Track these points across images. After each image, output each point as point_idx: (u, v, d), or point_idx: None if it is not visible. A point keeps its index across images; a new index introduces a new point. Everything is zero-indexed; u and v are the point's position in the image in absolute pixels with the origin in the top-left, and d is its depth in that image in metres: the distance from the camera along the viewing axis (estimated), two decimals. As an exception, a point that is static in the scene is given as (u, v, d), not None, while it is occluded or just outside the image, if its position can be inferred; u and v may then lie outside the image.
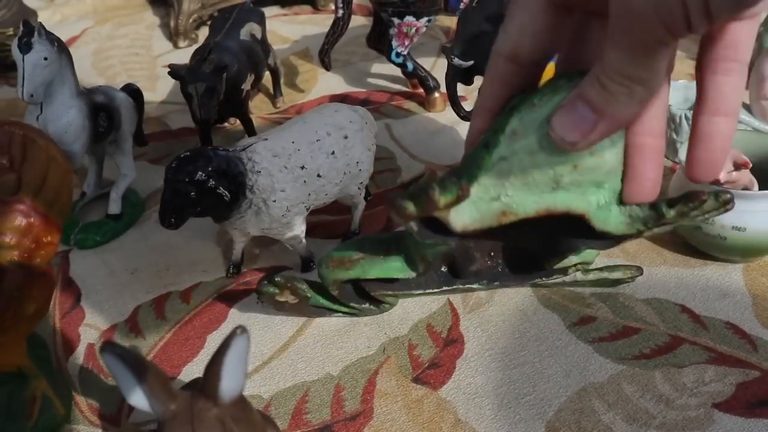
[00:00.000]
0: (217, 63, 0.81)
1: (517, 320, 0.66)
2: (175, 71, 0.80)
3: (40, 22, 0.70)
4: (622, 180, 0.39)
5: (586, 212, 0.40)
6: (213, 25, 0.91)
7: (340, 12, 0.91)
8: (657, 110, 0.37)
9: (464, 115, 0.73)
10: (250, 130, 0.90)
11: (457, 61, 0.70)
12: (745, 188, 0.69)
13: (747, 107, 0.83)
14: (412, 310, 0.68)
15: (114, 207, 0.81)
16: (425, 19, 0.91)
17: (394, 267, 0.58)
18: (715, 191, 0.59)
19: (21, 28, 0.70)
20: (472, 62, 0.71)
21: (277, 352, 0.65)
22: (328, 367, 0.63)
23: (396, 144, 0.91)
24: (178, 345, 0.67)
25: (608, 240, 0.43)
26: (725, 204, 0.41)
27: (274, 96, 0.99)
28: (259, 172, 0.68)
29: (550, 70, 0.72)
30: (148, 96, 1.01)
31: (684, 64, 1.02)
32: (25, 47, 0.69)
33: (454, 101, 0.73)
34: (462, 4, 0.90)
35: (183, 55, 1.10)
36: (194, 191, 0.65)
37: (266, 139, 0.70)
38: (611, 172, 0.38)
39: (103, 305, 0.72)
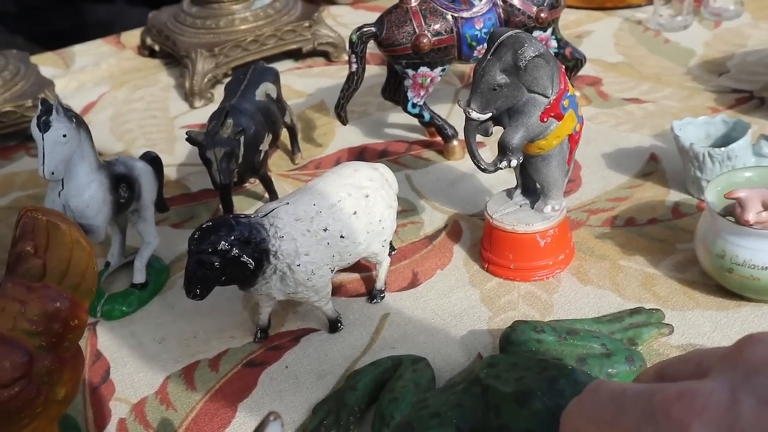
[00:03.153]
0: (234, 127, 0.81)
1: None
2: (192, 138, 0.80)
3: (58, 100, 0.71)
4: None
5: None
6: (228, 87, 0.91)
7: (354, 67, 0.91)
8: None
9: (484, 168, 0.72)
10: (270, 189, 0.90)
11: (474, 114, 0.70)
12: (776, 227, 0.68)
13: (770, 140, 0.82)
14: None
15: (139, 276, 0.81)
16: (439, 68, 0.91)
17: None
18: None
19: (39, 106, 0.71)
20: (489, 114, 0.70)
21: (309, 419, 0.65)
22: (361, 433, 0.63)
23: (417, 195, 0.91)
24: (209, 415, 0.67)
25: None
26: None
27: (292, 152, 0.99)
28: (282, 237, 0.68)
29: (569, 118, 0.72)
30: (166, 159, 1.01)
31: (703, 97, 1.01)
32: (44, 126, 0.70)
33: (473, 155, 0.72)
34: (476, 52, 0.91)
35: (199, 115, 1.11)
36: (218, 261, 0.65)
37: (287, 203, 0.70)
38: None
39: (132, 377, 0.72)
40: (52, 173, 0.71)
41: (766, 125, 0.90)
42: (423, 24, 0.88)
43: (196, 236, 0.65)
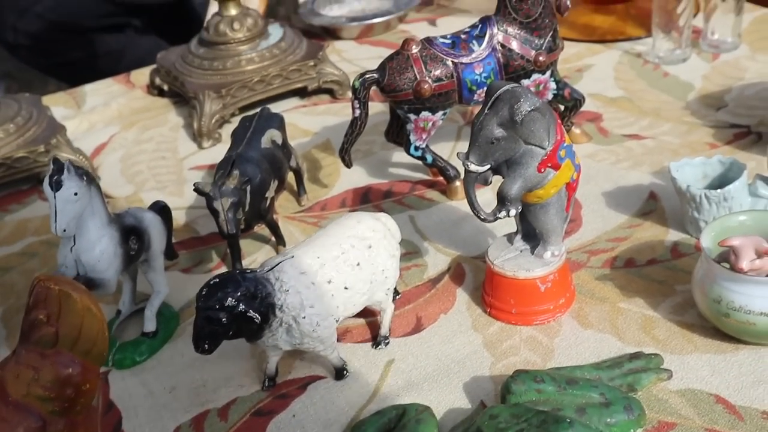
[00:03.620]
0: (240, 177, 0.83)
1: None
2: (200, 190, 0.82)
3: (69, 160, 0.73)
4: None
5: None
6: (235, 134, 0.93)
7: (357, 112, 0.93)
8: None
9: (483, 218, 0.74)
10: (276, 233, 0.92)
11: (473, 167, 0.72)
12: (770, 274, 0.70)
13: (766, 180, 0.83)
14: None
15: (149, 325, 0.83)
16: (441, 112, 0.93)
17: None
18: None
19: (51, 165, 0.73)
20: (488, 166, 0.72)
21: (317, 471, 0.66)
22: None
23: (420, 237, 0.93)
24: (220, 466, 0.68)
25: None
26: None
27: (298, 194, 1.01)
28: (288, 290, 0.70)
29: (566, 168, 0.74)
30: (176, 202, 1.04)
31: (702, 132, 1.03)
32: (56, 185, 0.72)
33: (473, 206, 0.74)
34: (476, 95, 0.92)
35: (208, 156, 1.13)
36: (226, 317, 0.67)
37: (292, 257, 0.72)
38: None
39: (144, 428, 0.74)
40: (64, 230, 0.73)
41: (763, 161, 0.91)
42: (424, 70, 0.90)
43: (203, 293, 0.67)
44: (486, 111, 0.71)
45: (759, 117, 1.02)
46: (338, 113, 1.19)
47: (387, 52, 1.32)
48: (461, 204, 0.96)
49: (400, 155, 1.06)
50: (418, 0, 1.42)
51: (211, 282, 0.68)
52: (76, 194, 0.73)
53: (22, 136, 1.08)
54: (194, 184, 0.83)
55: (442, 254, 0.90)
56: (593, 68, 1.21)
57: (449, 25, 1.41)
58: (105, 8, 2.16)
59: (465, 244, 0.90)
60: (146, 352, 0.82)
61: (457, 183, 0.97)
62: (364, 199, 1.00)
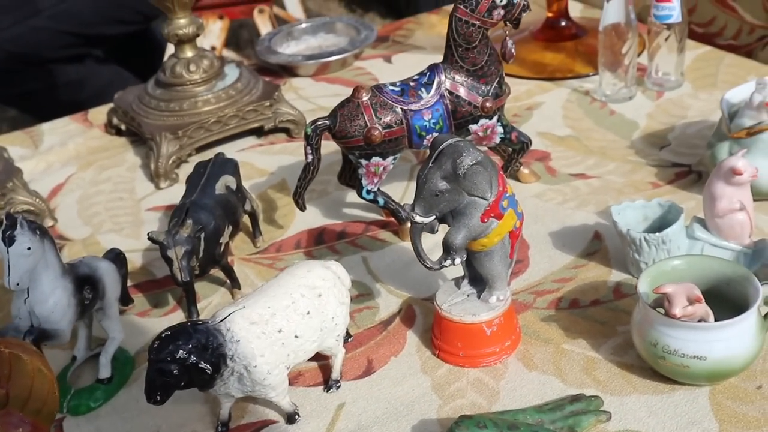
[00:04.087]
0: (194, 225, 0.85)
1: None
2: (154, 239, 0.84)
3: (23, 216, 0.75)
4: None
5: None
6: (189, 180, 0.95)
7: (310, 158, 0.95)
8: None
9: (429, 267, 0.77)
10: (231, 277, 0.94)
11: (419, 218, 0.74)
12: (702, 320, 0.73)
13: (703, 222, 0.87)
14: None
15: (104, 372, 0.84)
16: (391, 158, 0.95)
17: None
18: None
19: (4, 220, 0.74)
20: (433, 217, 0.75)
21: None
22: None
23: (373, 278, 0.95)
24: None
25: None
26: None
27: (253, 236, 1.02)
28: (239, 341, 0.71)
29: (509, 217, 0.76)
30: (132, 244, 1.05)
31: (645, 172, 1.06)
32: (9, 240, 0.74)
33: (419, 255, 0.77)
34: (425, 141, 0.95)
35: (165, 196, 1.14)
36: (177, 369, 0.69)
37: (243, 307, 0.73)
38: None
39: (98, 477, 0.75)
40: (18, 284, 0.74)
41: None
42: (374, 117, 0.92)
43: (155, 346, 0.69)
44: (430, 164, 0.73)
45: (699, 156, 1.06)
46: (294, 152, 1.21)
47: (343, 90, 1.36)
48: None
49: (353, 195, 1.08)
50: (374, 37, 1.44)
51: (163, 335, 0.69)
52: (29, 249, 0.74)
53: (-24, 180, 1.09)
54: (148, 234, 0.84)
55: (393, 296, 0.92)
56: (543, 106, 1.24)
57: (404, 61, 1.44)
58: (65, 39, 2.16)
59: (416, 285, 0.93)
60: (101, 398, 0.83)
61: (408, 224, 0.99)
62: (319, 240, 1.02)
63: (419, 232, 0.76)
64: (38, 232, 0.76)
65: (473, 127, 0.96)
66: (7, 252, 0.74)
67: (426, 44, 1.49)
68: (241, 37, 3.39)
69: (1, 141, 1.24)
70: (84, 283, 0.81)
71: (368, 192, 0.96)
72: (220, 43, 2.30)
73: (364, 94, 0.93)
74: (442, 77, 0.95)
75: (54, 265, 0.78)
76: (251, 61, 2.48)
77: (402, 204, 0.99)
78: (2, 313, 0.96)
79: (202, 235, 0.86)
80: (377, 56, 1.46)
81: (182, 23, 1.21)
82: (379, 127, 0.92)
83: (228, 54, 2.44)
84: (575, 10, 1.50)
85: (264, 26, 2.29)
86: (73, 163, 1.25)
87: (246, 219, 1.01)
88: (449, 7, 0.94)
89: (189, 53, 1.23)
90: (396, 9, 3.57)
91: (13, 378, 0.57)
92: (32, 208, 1.10)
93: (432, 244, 0.87)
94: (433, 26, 1.55)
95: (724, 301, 0.77)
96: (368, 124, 0.92)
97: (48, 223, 1.11)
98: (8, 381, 0.56)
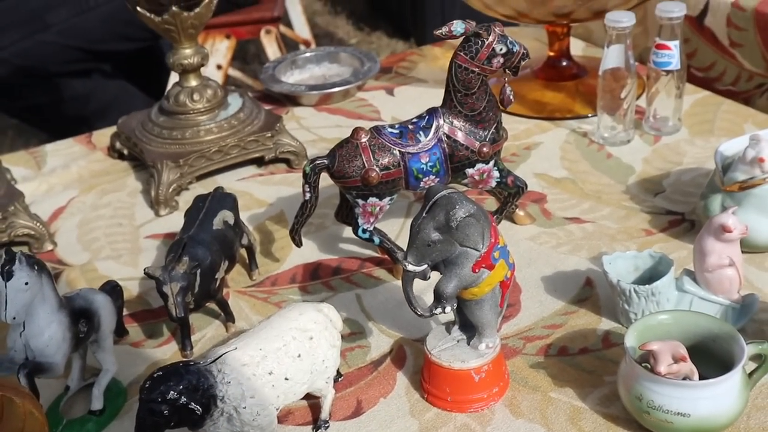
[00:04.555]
0: (190, 262, 0.86)
1: None
2: (150, 274, 0.85)
3: (22, 252, 0.76)
4: None
5: None
6: (188, 214, 0.96)
7: (308, 195, 0.96)
8: None
9: (420, 314, 0.78)
10: (226, 311, 0.95)
11: (411, 267, 0.76)
12: (686, 378, 0.74)
13: (693, 275, 0.88)
14: None
15: (96, 403, 0.85)
16: (388, 198, 0.96)
17: None
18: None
19: (3, 255, 0.75)
20: (425, 266, 0.76)
21: None
22: None
23: (366, 317, 0.96)
24: None
25: None
26: None
27: (250, 268, 1.04)
28: (229, 382, 0.73)
29: (500, 267, 0.78)
30: (129, 272, 1.06)
31: (639, 218, 1.07)
32: (7, 275, 0.75)
33: (410, 303, 0.78)
34: (422, 183, 0.96)
35: (164, 224, 1.16)
36: (167, 409, 0.70)
37: (236, 349, 0.75)
38: None
39: None
40: (14, 318, 0.76)
41: (694, 251, 0.96)
42: (372, 159, 0.94)
43: (146, 385, 0.70)
44: (424, 215, 0.75)
45: (693, 204, 1.07)
46: (293, 184, 1.22)
47: (345, 120, 1.38)
48: (406, 284, 1.00)
49: (350, 231, 1.09)
50: (377, 69, 1.46)
51: (155, 374, 0.71)
52: (26, 284, 0.76)
53: (-22, 203, 1.10)
54: (145, 269, 0.86)
55: (385, 335, 0.93)
56: (541, 146, 1.25)
57: (406, 93, 1.45)
58: (72, 54, 2.19)
59: (408, 326, 0.94)
60: (93, 430, 0.84)
61: (403, 264, 1.00)
62: (314, 275, 1.03)
63: (411, 280, 0.78)
64: (36, 267, 0.77)
65: (470, 171, 0.97)
66: (5, 286, 0.75)
67: (428, 77, 1.50)
68: (248, 52, 3.42)
69: (4, 161, 1.25)
70: (80, 317, 0.82)
71: (364, 231, 0.98)
72: (226, 62, 2.31)
73: (363, 136, 0.95)
74: (441, 121, 0.96)
75: (51, 300, 0.79)
76: (257, 80, 2.50)
77: (397, 243, 1.00)
78: (-2, 339, 0.97)
79: (198, 271, 0.88)
80: (380, 88, 1.48)
81: (187, 53, 1.22)
82: (377, 169, 0.94)
83: (234, 73, 2.46)
84: (577, 49, 1.52)
85: (270, 47, 2.31)
86: (75, 186, 1.27)
87: (243, 252, 1.02)
88: (454, 42, 0.95)
89: (193, 82, 1.24)
90: (403, 28, 3.60)
91: (5, 420, 0.58)
92: (32, 232, 1.11)
93: (426, 285, 0.88)
94: (437, 59, 1.57)
95: (710, 357, 0.78)
96: (366, 165, 0.94)
97: (47, 247, 1.12)
98: (0, 422, 0.58)
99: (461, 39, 0.93)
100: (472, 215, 0.74)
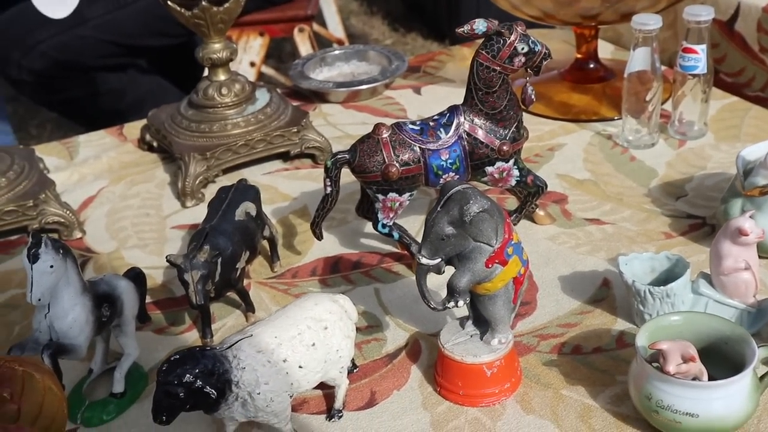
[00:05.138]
0: (211, 251, 0.88)
1: None
2: (172, 261, 0.87)
3: (48, 236, 0.78)
4: None
5: None
6: (211, 205, 0.98)
7: (329, 189, 0.98)
8: None
9: (433, 307, 0.79)
10: (246, 301, 0.97)
11: (424, 260, 0.77)
12: (696, 378, 0.74)
13: (709, 278, 0.88)
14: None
15: (118, 386, 0.87)
16: (407, 194, 0.97)
17: None
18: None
19: (30, 238, 0.78)
20: (439, 260, 0.77)
21: None
22: None
23: (383, 311, 0.97)
24: None
25: None
26: None
27: (271, 260, 1.05)
28: (244, 368, 0.74)
29: (513, 263, 0.78)
30: (154, 261, 1.09)
31: (659, 221, 1.08)
32: (33, 257, 0.77)
33: (424, 296, 0.79)
34: (442, 179, 0.97)
35: (190, 215, 1.18)
36: (183, 392, 0.72)
37: (251, 335, 0.76)
38: None
39: (104, 489, 0.78)
40: (39, 299, 0.78)
41: (713, 254, 0.96)
42: (392, 154, 0.95)
43: (163, 368, 0.72)
44: (438, 209, 0.76)
45: (714, 209, 1.07)
46: (318, 179, 1.23)
47: (371, 118, 1.40)
48: (424, 280, 1.01)
49: (371, 226, 1.11)
50: (405, 68, 1.47)
51: (172, 358, 0.72)
52: (51, 267, 0.78)
53: (12, 190, 1.13)
54: (167, 257, 0.88)
55: (401, 329, 0.94)
56: (564, 148, 1.26)
57: (433, 93, 1.46)
58: (109, 49, 2.23)
59: (423, 320, 0.95)
60: (113, 411, 0.86)
61: (421, 260, 1.01)
62: (334, 269, 1.05)
63: (425, 273, 0.79)
64: (61, 251, 0.79)
65: (489, 169, 0.98)
66: (31, 269, 0.78)
67: (456, 77, 1.51)
68: (284, 50, 3.45)
69: (38, 151, 1.29)
70: (103, 301, 0.84)
71: (384, 226, 0.99)
72: (259, 59, 2.34)
73: (384, 132, 0.96)
74: (462, 119, 0.97)
75: (75, 283, 0.81)
76: (289, 78, 2.52)
77: (417, 239, 1.01)
78: (27, 321, 1.00)
79: (219, 260, 0.90)
80: (407, 86, 1.49)
81: (217, 47, 1.25)
82: (397, 165, 0.95)
83: (267, 70, 2.49)
84: (606, 52, 1.52)
85: (303, 45, 2.34)
86: (105, 176, 1.29)
87: (265, 243, 1.04)
88: (460, 30, 0.96)
89: (222, 77, 1.27)
90: (438, 29, 3.61)
91: (25, 395, 0.60)
92: (62, 220, 1.14)
93: (441, 281, 0.89)
94: (465, 59, 1.57)
95: (723, 360, 0.78)
96: (386, 160, 0.95)
97: (76, 235, 1.15)
98: (21, 397, 0.60)
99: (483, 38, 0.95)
100: (485, 210, 0.75)
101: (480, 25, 0.93)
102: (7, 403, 0.60)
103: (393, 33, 3.88)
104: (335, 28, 2.77)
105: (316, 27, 2.49)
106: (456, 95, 1.44)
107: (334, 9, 2.77)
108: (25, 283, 1.06)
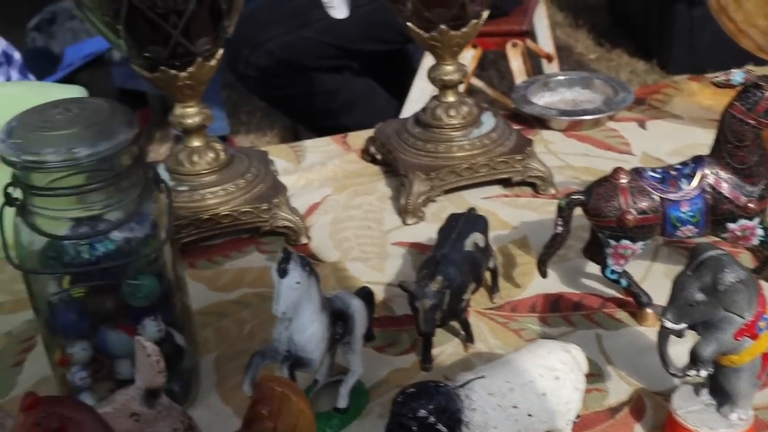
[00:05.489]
0: (443, 281, 0.90)
1: None
2: (405, 288, 0.90)
3: (298, 254, 0.82)
4: None
5: None
6: (441, 232, 1.00)
7: (560, 229, 0.97)
8: None
9: (673, 373, 0.77)
10: (468, 332, 0.98)
11: (669, 324, 0.75)
12: None
13: None
14: None
15: (342, 402, 0.90)
16: (641, 243, 0.95)
17: None
18: None
19: (281, 254, 0.82)
20: (684, 326, 0.75)
21: None
22: None
23: (605, 359, 0.95)
24: None
25: None
26: None
27: (491, 291, 1.06)
28: (475, 409, 0.75)
29: (765, 338, 0.75)
30: (376, 276, 1.12)
31: None
32: (282, 272, 0.81)
33: (664, 359, 0.77)
34: (680, 231, 0.94)
35: (410, 233, 1.20)
36: (416, 426, 0.73)
37: (483, 377, 0.77)
38: None
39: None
40: (284, 312, 0.82)
41: None
42: (630, 201, 0.93)
43: (399, 399, 0.74)
44: (689, 273, 0.73)
45: None
46: (538, 209, 1.23)
47: (593, 150, 1.37)
48: (650, 331, 0.98)
49: (593, 265, 1.09)
50: (631, 100, 1.44)
51: (408, 391, 0.74)
52: (298, 283, 0.82)
53: (249, 192, 1.20)
54: (399, 283, 0.90)
55: (624, 382, 0.92)
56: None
57: (659, 129, 1.42)
58: (328, 51, 2.32)
59: (649, 376, 0.92)
60: (336, 425, 0.90)
61: (648, 310, 0.99)
62: (554, 308, 1.04)
63: (667, 337, 0.77)
64: (307, 269, 0.83)
65: (731, 226, 0.94)
66: (280, 283, 0.82)
67: (684, 113, 1.46)
68: (485, 58, 3.45)
69: (270, 153, 1.35)
70: (337, 318, 0.88)
71: (612, 272, 0.97)
72: (470, 71, 2.36)
73: (623, 177, 0.94)
74: (706, 171, 0.94)
75: (315, 300, 0.85)
76: (496, 89, 2.52)
77: (643, 288, 0.99)
78: (258, 320, 1.05)
79: (449, 291, 0.91)
80: (631, 119, 1.45)
81: (449, 69, 1.26)
82: (634, 212, 0.93)
83: (475, 81, 2.50)
84: None
85: (515, 60, 2.33)
86: (330, 184, 1.34)
87: (487, 274, 1.05)
88: (710, 75, 0.92)
89: (451, 98, 1.28)
90: (646, 48, 3.49)
91: (282, 415, 0.63)
92: (291, 225, 1.19)
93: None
94: (693, 94, 1.51)
95: None
96: (623, 207, 0.93)
97: (303, 240, 1.20)
98: (278, 417, 0.63)
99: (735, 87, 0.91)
100: (741, 281, 0.72)
101: (737, 76, 0.89)
102: (264, 420, 0.64)
103: (598, 48, 3.80)
104: (545, 42, 2.75)
105: (527, 41, 2.47)
106: (683, 132, 1.39)
107: (546, 23, 2.75)
108: (256, 283, 1.13)
